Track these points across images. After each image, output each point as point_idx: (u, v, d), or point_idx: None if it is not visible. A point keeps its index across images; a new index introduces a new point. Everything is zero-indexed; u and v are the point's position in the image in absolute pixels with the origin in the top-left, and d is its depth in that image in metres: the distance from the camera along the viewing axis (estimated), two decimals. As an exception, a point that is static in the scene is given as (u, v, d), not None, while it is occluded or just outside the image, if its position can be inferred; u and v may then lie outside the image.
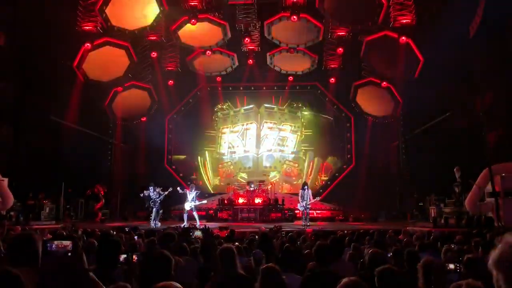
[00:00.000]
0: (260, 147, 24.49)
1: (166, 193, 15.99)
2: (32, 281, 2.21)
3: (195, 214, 15.97)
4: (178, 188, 16.06)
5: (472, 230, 10.23)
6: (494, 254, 1.68)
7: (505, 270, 1.63)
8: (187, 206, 15.90)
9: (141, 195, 16.36)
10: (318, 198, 16.29)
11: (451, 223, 14.43)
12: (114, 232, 8.70)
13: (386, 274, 3.39)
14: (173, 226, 12.90)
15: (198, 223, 15.45)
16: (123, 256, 4.53)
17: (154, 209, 15.79)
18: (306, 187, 15.84)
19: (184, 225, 13.97)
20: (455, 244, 6.84)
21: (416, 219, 19.28)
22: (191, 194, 15.87)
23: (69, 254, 2.33)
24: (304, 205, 15.63)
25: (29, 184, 18.85)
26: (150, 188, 15.98)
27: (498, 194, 14.32)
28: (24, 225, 12.74)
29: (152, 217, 15.76)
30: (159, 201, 15.85)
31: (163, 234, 5.69)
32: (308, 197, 15.62)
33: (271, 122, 24.76)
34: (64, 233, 8.26)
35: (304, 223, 15.70)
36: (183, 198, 16.29)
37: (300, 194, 15.94)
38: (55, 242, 2.48)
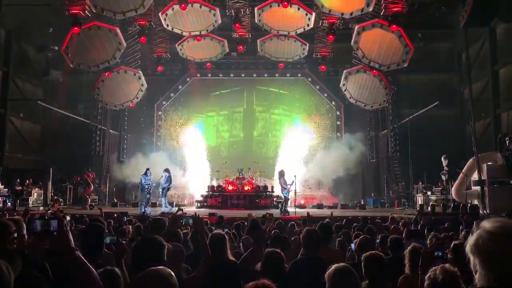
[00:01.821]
0: (252, 131, 24.32)
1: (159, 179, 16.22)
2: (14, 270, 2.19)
3: (162, 199, 16.46)
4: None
5: (458, 217, 10.39)
6: (470, 240, 1.72)
7: (481, 255, 1.67)
8: (160, 192, 16.49)
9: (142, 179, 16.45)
10: (294, 179, 16.43)
11: (437, 211, 14.63)
12: (103, 217, 8.66)
13: (373, 260, 3.44)
14: (164, 212, 12.95)
15: (162, 208, 15.85)
16: (109, 238, 4.52)
17: (146, 195, 15.81)
18: (282, 174, 16.03)
19: (175, 211, 14.07)
20: (441, 231, 6.95)
21: (403, 207, 19.52)
22: (164, 181, 16.34)
23: (55, 233, 2.32)
24: (284, 192, 15.84)
25: (17, 169, 18.68)
26: (148, 172, 15.99)
27: (484, 183, 14.54)
28: (12, 211, 12.64)
29: (142, 203, 15.76)
30: (151, 188, 15.91)
31: (153, 220, 5.70)
32: (284, 182, 15.83)
33: (262, 105, 24.55)
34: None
35: (285, 209, 15.90)
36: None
37: (281, 182, 16.08)
38: (40, 222, 2.45)
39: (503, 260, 1.64)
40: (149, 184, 15.75)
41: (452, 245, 3.65)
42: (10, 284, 1.97)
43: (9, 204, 15.25)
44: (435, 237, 5.91)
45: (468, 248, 1.73)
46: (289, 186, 15.73)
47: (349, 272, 2.66)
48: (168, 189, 16.64)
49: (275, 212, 14.93)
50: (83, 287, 2.30)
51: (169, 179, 16.39)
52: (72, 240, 2.32)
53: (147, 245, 2.86)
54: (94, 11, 16.73)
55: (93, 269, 2.31)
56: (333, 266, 2.69)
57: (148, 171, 15.99)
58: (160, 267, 2.10)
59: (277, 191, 19.42)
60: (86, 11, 17.12)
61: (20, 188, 17.21)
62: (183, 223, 6.59)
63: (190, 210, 15.67)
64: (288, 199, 16.21)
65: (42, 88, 22.26)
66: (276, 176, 17.45)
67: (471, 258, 1.72)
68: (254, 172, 20.74)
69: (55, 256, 2.44)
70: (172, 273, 2.08)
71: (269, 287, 2.11)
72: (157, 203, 19.32)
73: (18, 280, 2.29)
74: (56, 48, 19.66)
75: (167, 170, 16.60)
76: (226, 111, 24.76)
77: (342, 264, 2.77)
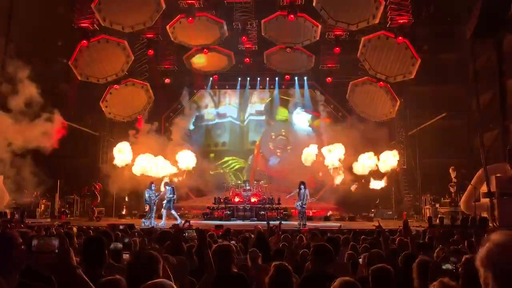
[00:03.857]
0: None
1: (162, 192, 16.13)
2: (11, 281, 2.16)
3: (173, 212, 16.24)
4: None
5: (467, 230, 10.26)
6: (481, 253, 1.69)
7: (493, 268, 1.64)
8: (164, 205, 16.20)
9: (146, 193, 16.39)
10: (314, 199, 16.29)
11: (446, 223, 14.47)
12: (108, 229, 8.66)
13: (381, 274, 3.39)
14: (174, 225, 12.93)
15: (179, 220, 15.53)
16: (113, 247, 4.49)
17: (154, 208, 15.86)
18: (302, 186, 15.83)
19: (174, 224, 14.13)
20: (450, 244, 6.85)
21: (411, 219, 19.32)
22: (167, 193, 16.18)
23: (56, 251, 2.30)
24: (301, 204, 15.63)
25: (25, 181, 18.75)
26: (152, 186, 16.03)
27: (493, 195, 14.37)
28: (20, 223, 12.68)
29: (152, 216, 15.81)
30: (156, 201, 15.92)
31: (160, 233, 5.68)
32: (305, 196, 15.62)
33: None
34: (54, 230, 8.27)
35: (299, 222, 15.70)
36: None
37: (297, 193, 15.94)
38: (40, 240, 2.43)
39: None
40: (153, 198, 15.79)
41: (464, 259, 3.59)
42: None
43: (16, 215, 15.28)
44: (442, 250, 5.82)
45: (478, 261, 1.70)
46: (300, 202, 15.60)
47: (353, 285, 2.62)
48: (174, 200, 16.58)
49: (285, 224, 14.82)
50: None
51: (173, 191, 16.34)
52: (74, 258, 2.30)
53: (141, 260, 2.83)
54: (103, 25, 16.95)
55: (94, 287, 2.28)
56: (337, 280, 2.66)
57: (152, 185, 16.03)
58: (161, 280, 2.09)
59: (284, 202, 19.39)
60: (94, 25, 17.39)
61: (28, 200, 17.28)
62: (186, 236, 6.57)
63: (197, 222, 15.67)
64: (300, 211, 16.03)
65: (49, 100, 22.37)
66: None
67: (482, 271, 1.69)
68: (261, 184, 20.68)
69: (58, 274, 2.42)
70: (174, 286, 2.07)
71: None
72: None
73: None
74: (65, 61, 19.86)
75: (168, 183, 16.63)
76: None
77: (346, 277, 2.74)
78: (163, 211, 16.16)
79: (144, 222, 15.42)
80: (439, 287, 2.33)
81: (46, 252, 2.33)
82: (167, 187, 16.28)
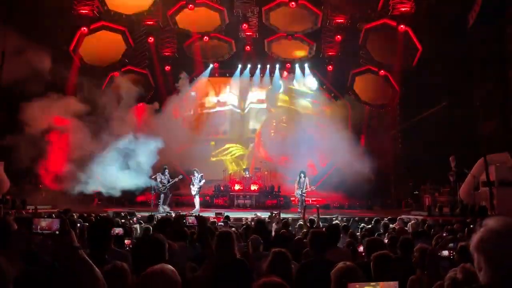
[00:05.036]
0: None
1: (177, 179, 16.03)
2: (12, 265, 2.19)
3: (196, 199, 16.10)
4: (180, 176, 16.13)
5: (466, 219, 10.34)
6: (475, 238, 1.74)
7: (485, 253, 1.69)
8: (193, 191, 16.05)
9: (153, 178, 16.15)
10: (314, 187, 16.34)
11: (445, 212, 14.54)
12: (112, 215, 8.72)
13: (382, 260, 3.43)
14: (179, 211, 12.99)
15: (197, 207, 15.52)
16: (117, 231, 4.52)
17: (162, 194, 15.75)
18: (303, 174, 15.87)
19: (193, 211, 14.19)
20: (450, 232, 6.91)
21: (410, 208, 19.39)
22: (195, 179, 16.00)
23: (57, 232, 2.33)
24: (300, 193, 15.69)
25: (26, 168, 18.77)
26: (165, 171, 15.90)
27: (492, 184, 14.41)
28: (20, 209, 12.76)
29: (161, 202, 15.72)
30: (168, 187, 15.81)
31: (160, 220, 5.72)
32: (305, 185, 15.65)
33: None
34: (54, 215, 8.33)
35: (300, 211, 15.76)
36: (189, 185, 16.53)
37: (296, 181, 15.99)
38: (41, 222, 2.47)
39: (507, 257, 1.65)
40: (164, 183, 15.62)
41: (459, 246, 3.64)
42: (9, 280, 1.97)
43: (17, 202, 15.32)
44: (440, 237, 5.89)
45: (472, 246, 1.75)
46: (300, 190, 15.64)
47: (353, 271, 2.64)
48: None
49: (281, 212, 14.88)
50: (86, 286, 2.30)
51: (202, 178, 16.23)
52: (75, 239, 2.32)
53: (147, 245, 2.86)
54: (102, 11, 16.85)
55: (97, 268, 2.30)
56: (338, 265, 2.68)
57: (166, 170, 15.85)
58: (162, 264, 2.12)
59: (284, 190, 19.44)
60: (94, 11, 17.28)
61: (29, 186, 17.31)
62: (187, 222, 6.63)
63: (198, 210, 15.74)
64: (299, 200, 16.09)
65: (50, 86, 22.30)
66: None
67: (475, 256, 1.73)
68: (260, 171, 20.72)
69: (60, 255, 2.45)
70: (175, 270, 2.11)
71: (278, 283, 2.12)
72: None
73: (20, 277, 2.30)
74: (64, 48, 19.75)
75: (197, 171, 16.40)
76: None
77: (347, 262, 2.76)
78: (196, 197, 16.10)
79: (161, 210, 15.24)
80: (461, 272, 2.38)
81: (47, 233, 2.36)
82: (196, 174, 16.17)
